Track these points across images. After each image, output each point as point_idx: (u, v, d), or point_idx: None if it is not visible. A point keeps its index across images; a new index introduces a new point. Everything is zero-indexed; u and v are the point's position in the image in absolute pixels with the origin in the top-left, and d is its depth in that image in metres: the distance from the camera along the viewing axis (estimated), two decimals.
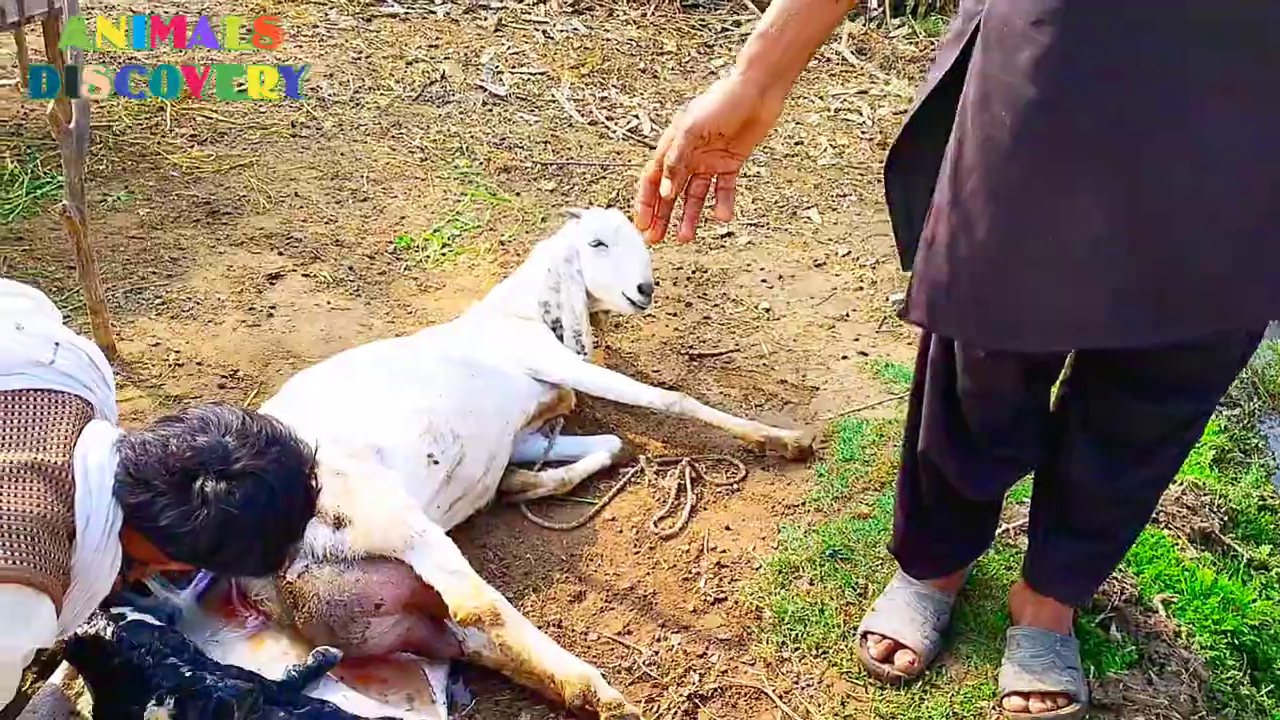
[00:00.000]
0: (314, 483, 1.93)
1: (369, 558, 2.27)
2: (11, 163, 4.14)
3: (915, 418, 2.26)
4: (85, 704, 2.10)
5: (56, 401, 1.79)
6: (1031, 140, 1.65)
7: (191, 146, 4.56)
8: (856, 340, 3.77)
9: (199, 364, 3.27)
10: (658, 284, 4.02)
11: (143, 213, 4.05)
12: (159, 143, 4.54)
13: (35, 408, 1.76)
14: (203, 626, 2.26)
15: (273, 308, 3.62)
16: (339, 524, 2.26)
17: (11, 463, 1.66)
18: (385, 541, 2.26)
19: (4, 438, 1.70)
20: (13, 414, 1.73)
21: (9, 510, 1.61)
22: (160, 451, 1.77)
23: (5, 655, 1.60)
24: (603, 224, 3.32)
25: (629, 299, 3.27)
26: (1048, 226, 1.70)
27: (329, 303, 3.69)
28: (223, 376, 3.24)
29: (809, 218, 4.65)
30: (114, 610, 2.03)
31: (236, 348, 3.38)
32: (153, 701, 1.94)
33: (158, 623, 2.09)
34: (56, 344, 1.86)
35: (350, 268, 3.91)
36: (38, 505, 1.64)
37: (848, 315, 3.93)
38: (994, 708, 2.35)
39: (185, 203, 4.16)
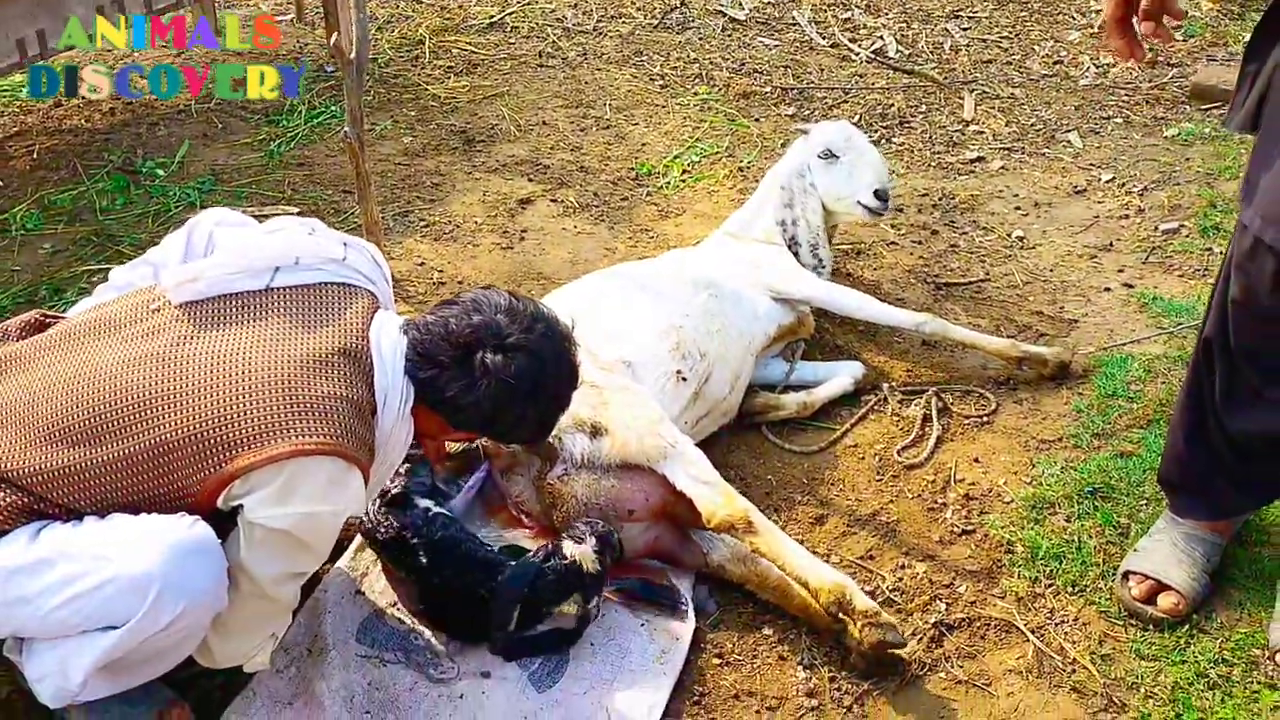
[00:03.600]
0: (575, 357, 2.04)
1: (624, 466, 2.36)
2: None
3: (1217, 316, 2.14)
4: (369, 584, 2.31)
5: (351, 294, 1.97)
6: None
7: (448, 77, 4.78)
8: (1121, 271, 3.54)
9: (459, 283, 3.47)
10: (901, 210, 3.90)
11: (406, 141, 4.30)
12: (419, 74, 4.78)
13: (336, 299, 1.94)
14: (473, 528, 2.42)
15: (524, 231, 3.77)
16: (596, 433, 2.36)
17: (323, 348, 1.84)
18: (640, 451, 2.34)
19: (314, 325, 1.88)
20: (318, 304, 1.92)
21: (326, 393, 1.79)
22: (442, 331, 1.93)
23: (329, 519, 1.80)
24: (831, 134, 3.26)
25: (865, 206, 3.22)
26: None
27: (575, 227, 3.81)
28: None
29: (1068, 141, 4.37)
30: (421, 504, 2.22)
31: (492, 268, 3.55)
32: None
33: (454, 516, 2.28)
34: (345, 244, 2.04)
35: (594, 193, 4.01)
36: (347, 388, 1.82)
37: (1111, 245, 3.69)
38: (1268, 658, 2.19)
39: (443, 131, 4.37)
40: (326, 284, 1.95)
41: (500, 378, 1.89)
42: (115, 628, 1.71)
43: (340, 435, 1.77)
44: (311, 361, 1.81)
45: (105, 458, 1.75)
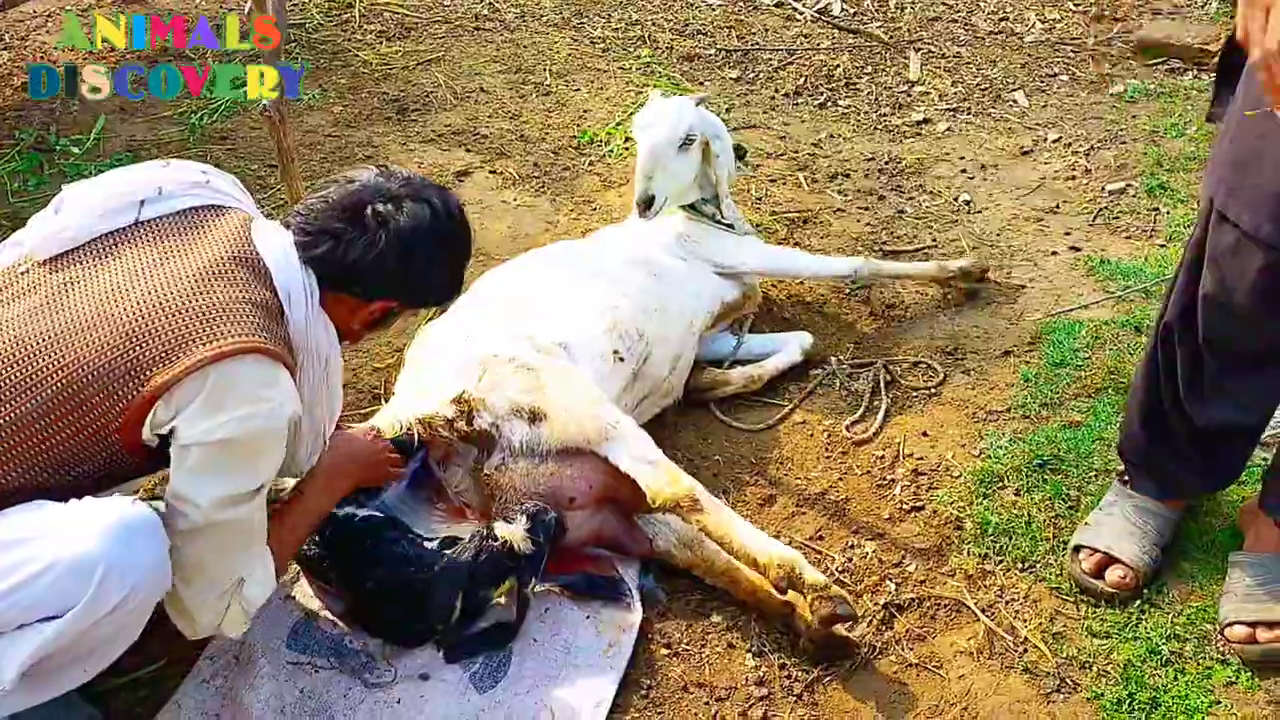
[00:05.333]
0: (459, 204, 2.04)
1: (564, 451, 2.28)
2: (213, 63, 4.28)
3: (1179, 303, 2.10)
4: (300, 588, 2.21)
5: (224, 212, 1.92)
6: None
7: (380, 43, 4.61)
8: (1068, 234, 3.50)
9: None
10: (847, 176, 3.84)
11: (336, 111, 4.14)
12: (349, 40, 4.61)
13: (211, 217, 1.89)
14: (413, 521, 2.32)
15: (462, 205, 3.63)
16: (534, 418, 2.27)
17: (214, 259, 1.79)
18: (580, 434, 2.27)
19: (197, 242, 1.83)
20: (195, 225, 1.86)
21: (227, 297, 1.74)
22: (324, 205, 1.90)
23: (270, 417, 1.71)
24: (638, 118, 2.99)
25: None
26: None
27: (515, 200, 3.69)
28: None
29: (1014, 101, 4.32)
30: (342, 511, 2.11)
31: None
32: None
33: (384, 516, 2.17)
34: (204, 171, 1.99)
35: (535, 164, 3.89)
36: (249, 291, 1.77)
37: (1057, 207, 3.65)
38: (1220, 633, 2.18)
39: (376, 100, 4.22)
40: (197, 207, 1.89)
41: (398, 223, 1.88)
42: (56, 618, 1.62)
43: (256, 332, 1.71)
44: (206, 273, 1.76)
45: (14, 415, 1.66)
